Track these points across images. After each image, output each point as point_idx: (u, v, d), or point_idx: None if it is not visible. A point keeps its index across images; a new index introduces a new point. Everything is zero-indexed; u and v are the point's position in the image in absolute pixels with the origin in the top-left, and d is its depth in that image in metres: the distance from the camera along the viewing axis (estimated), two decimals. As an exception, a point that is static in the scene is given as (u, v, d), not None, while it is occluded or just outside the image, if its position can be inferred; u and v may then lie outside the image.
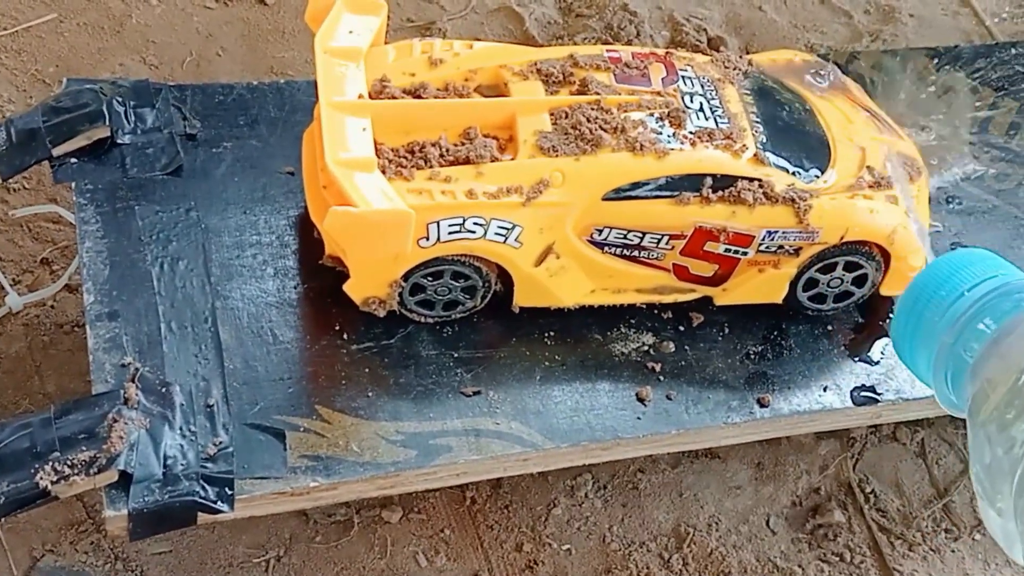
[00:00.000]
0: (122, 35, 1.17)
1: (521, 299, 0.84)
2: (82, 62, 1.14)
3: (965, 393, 0.43)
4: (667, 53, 0.88)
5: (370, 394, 0.80)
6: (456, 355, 0.83)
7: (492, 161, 0.80)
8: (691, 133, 0.82)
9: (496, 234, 0.79)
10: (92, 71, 1.13)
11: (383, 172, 0.78)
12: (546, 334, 0.86)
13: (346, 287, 0.81)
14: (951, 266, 0.45)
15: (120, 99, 0.90)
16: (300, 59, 1.18)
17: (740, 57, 0.93)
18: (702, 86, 0.85)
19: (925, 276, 0.46)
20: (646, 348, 0.86)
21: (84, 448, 0.72)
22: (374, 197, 0.75)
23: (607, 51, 0.86)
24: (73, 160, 0.88)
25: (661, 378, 0.85)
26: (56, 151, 0.87)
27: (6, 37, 1.14)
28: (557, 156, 0.80)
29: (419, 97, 0.83)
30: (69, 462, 0.72)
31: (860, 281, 0.87)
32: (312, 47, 1.14)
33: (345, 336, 0.83)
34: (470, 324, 0.85)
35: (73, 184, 0.87)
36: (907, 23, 1.29)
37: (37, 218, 1.03)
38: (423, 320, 0.84)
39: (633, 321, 0.87)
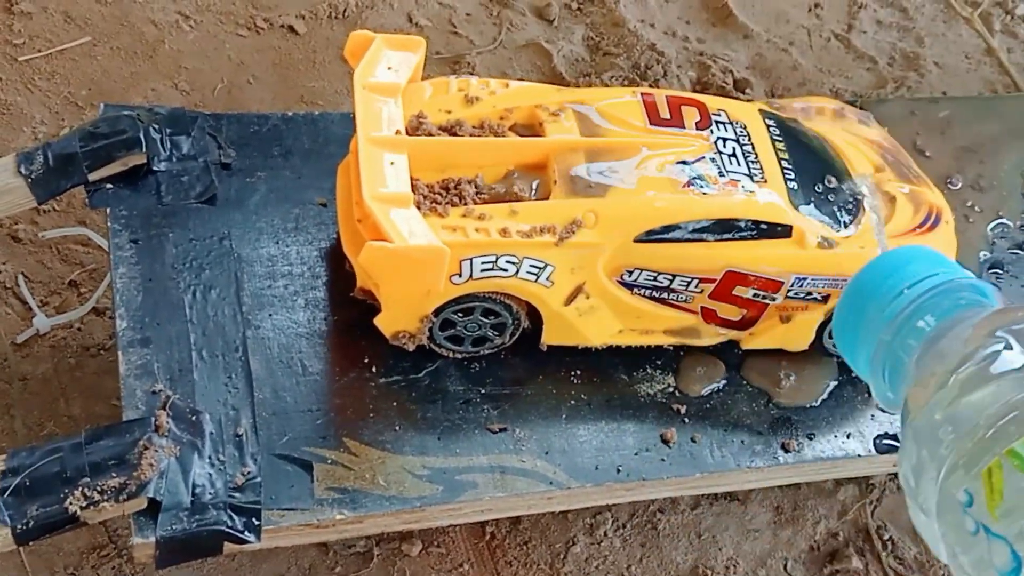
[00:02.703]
0: (155, 60, 1.18)
1: (549, 337, 0.85)
2: (114, 86, 1.15)
3: (901, 392, 0.42)
4: (701, 97, 0.89)
5: (397, 428, 0.81)
6: (483, 391, 0.84)
7: (526, 200, 0.80)
8: (723, 178, 0.82)
9: (528, 273, 0.80)
10: (124, 95, 1.14)
11: (418, 208, 0.78)
12: (572, 373, 0.86)
13: (377, 320, 0.82)
14: (893, 263, 0.45)
15: (156, 126, 0.90)
16: (330, 89, 1.19)
17: (770, 101, 0.94)
18: (735, 131, 0.86)
19: (867, 272, 0.46)
20: (671, 389, 0.87)
21: (114, 474, 0.73)
22: (410, 233, 0.76)
23: (641, 94, 0.87)
24: (109, 186, 0.88)
25: (686, 420, 0.85)
26: (92, 176, 0.88)
27: (39, 59, 1.15)
28: (591, 197, 0.80)
29: (455, 134, 0.84)
30: (99, 488, 0.72)
31: (887, 330, 0.87)
32: (343, 78, 1.16)
33: (373, 369, 0.84)
34: (497, 361, 0.85)
35: (108, 209, 0.88)
36: (931, 71, 1.30)
37: (66, 240, 1.04)
38: (451, 355, 0.85)
39: (659, 362, 0.88)
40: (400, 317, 0.82)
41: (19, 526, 0.72)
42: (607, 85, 1.21)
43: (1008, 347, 0.37)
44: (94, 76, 1.16)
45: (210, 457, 0.76)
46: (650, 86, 1.22)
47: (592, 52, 1.27)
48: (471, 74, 1.21)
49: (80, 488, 0.72)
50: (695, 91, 1.14)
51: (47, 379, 0.96)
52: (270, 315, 0.85)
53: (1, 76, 1.13)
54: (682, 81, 1.25)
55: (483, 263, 0.79)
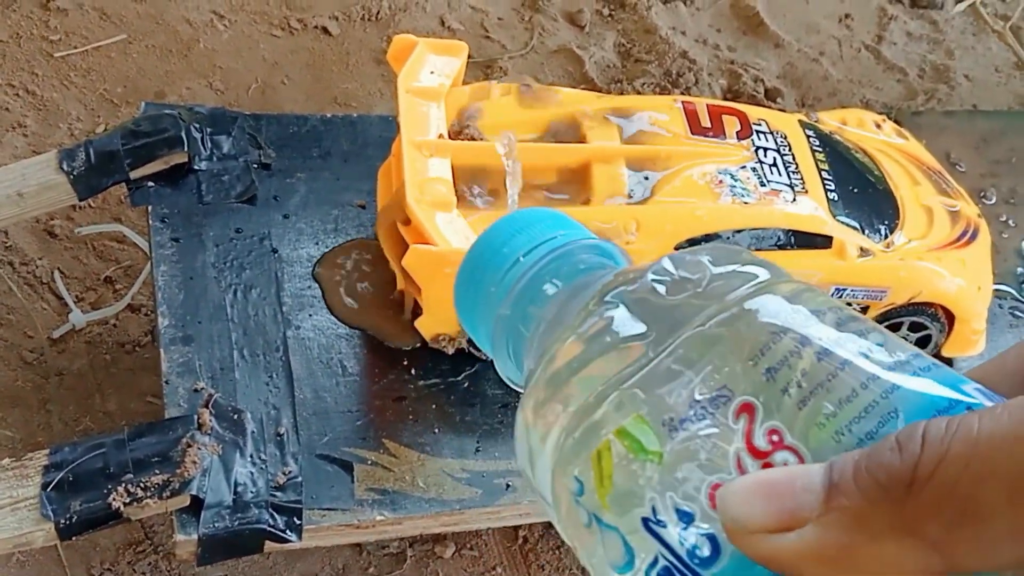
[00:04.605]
0: (189, 59, 1.18)
1: (588, 343, 0.85)
2: (149, 84, 1.16)
3: (525, 369, 0.37)
4: (742, 107, 0.89)
5: (436, 431, 0.81)
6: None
7: (568, 206, 0.81)
8: (764, 188, 0.83)
9: (569, 278, 0.80)
10: (159, 93, 1.15)
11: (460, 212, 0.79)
12: (610, 379, 0.86)
13: (417, 323, 0.82)
14: (509, 229, 0.38)
15: (198, 125, 0.91)
16: (363, 91, 1.19)
17: (809, 113, 0.94)
18: (776, 141, 0.86)
19: (482, 241, 0.38)
20: (707, 397, 0.87)
21: (157, 471, 0.73)
22: (453, 237, 0.76)
23: (682, 102, 0.88)
24: (150, 184, 0.89)
25: (722, 428, 0.85)
26: (134, 174, 0.88)
27: (76, 56, 1.16)
28: (632, 204, 0.81)
29: (496, 139, 0.84)
30: (142, 484, 0.73)
31: (923, 342, 0.87)
32: (375, 80, 1.16)
33: (412, 371, 0.84)
34: (535, 365, 0.85)
35: (149, 207, 0.88)
36: (961, 83, 1.30)
37: (101, 237, 1.04)
38: (489, 359, 0.85)
39: (696, 370, 0.88)
40: (441, 320, 0.82)
41: (62, 521, 0.72)
42: (639, 92, 1.22)
43: (619, 314, 0.33)
44: (129, 73, 1.16)
45: (252, 456, 0.76)
46: (681, 93, 1.22)
47: (623, 59, 1.27)
48: (503, 78, 1.22)
49: (123, 484, 0.73)
50: (726, 99, 1.15)
51: (83, 375, 0.96)
52: (310, 315, 0.85)
53: (37, 72, 1.14)
54: (713, 89, 1.25)
55: (525, 268, 0.79)
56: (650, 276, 0.33)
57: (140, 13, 1.20)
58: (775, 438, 0.29)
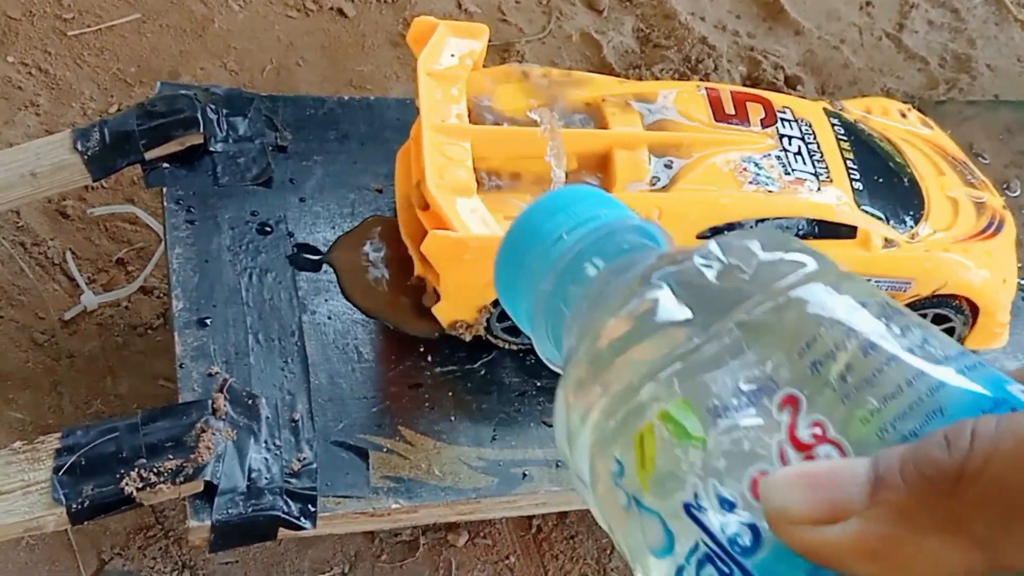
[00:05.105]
0: (204, 39, 1.17)
1: (607, 332, 0.84)
2: (163, 64, 1.15)
3: (564, 348, 0.37)
4: (766, 94, 0.88)
5: (452, 418, 0.80)
6: (539, 384, 0.83)
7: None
8: (788, 176, 0.81)
9: (589, 266, 0.79)
10: (173, 73, 1.13)
11: (479, 196, 0.77)
12: (629, 368, 0.85)
13: (435, 309, 0.81)
14: (553, 206, 0.38)
15: (213, 107, 0.90)
16: (379, 73, 1.18)
17: (833, 101, 0.93)
18: (800, 129, 0.85)
19: (525, 217, 0.38)
20: (726, 388, 0.86)
21: (171, 456, 0.72)
22: (472, 222, 0.75)
23: (706, 88, 0.86)
24: (165, 165, 0.88)
25: (741, 419, 0.84)
26: (149, 155, 0.87)
27: (89, 35, 1.15)
28: (654, 191, 0.80)
29: (517, 123, 0.83)
30: (156, 469, 0.72)
31: (947, 335, 0.86)
32: (391, 62, 1.15)
33: (429, 358, 0.83)
34: (553, 353, 0.84)
35: (163, 189, 0.87)
36: (983, 73, 1.29)
37: (114, 218, 1.03)
38: (507, 347, 0.84)
39: (716, 360, 0.87)
40: (459, 307, 0.81)
41: (74, 505, 0.71)
42: (657, 78, 1.20)
43: (665, 296, 0.33)
44: (143, 53, 1.15)
45: (266, 442, 0.76)
46: (700, 80, 1.21)
47: (642, 44, 1.26)
48: (521, 62, 1.20)
49: (136, 469, 0.72)
50: (746, 86, 1.13)
51: (94, 357, 0.95)
52: (326, 300, 0.84)
53: (51, 51, 1.13)
54: (732, 76, 1.24)
55: (545, 255, 0.78)
56: (697, 259, 0.33)
57: (154, -8, 1.19)
58: (818, 431, 0.29)
